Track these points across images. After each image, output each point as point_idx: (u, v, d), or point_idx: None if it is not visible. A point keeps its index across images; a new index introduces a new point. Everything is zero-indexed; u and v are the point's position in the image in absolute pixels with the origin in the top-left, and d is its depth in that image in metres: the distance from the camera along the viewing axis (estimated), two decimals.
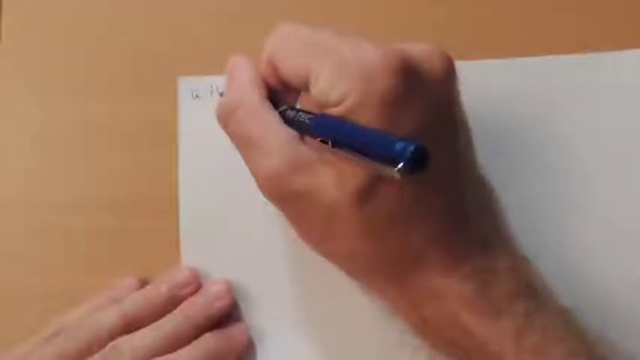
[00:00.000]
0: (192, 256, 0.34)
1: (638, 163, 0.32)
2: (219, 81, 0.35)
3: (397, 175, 0.21)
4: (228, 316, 0.33)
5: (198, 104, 0.35)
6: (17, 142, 0.37)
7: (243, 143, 0.27)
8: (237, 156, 0.34)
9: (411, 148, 0.20)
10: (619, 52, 0.33)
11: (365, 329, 0.32)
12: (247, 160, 0.27)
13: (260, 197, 0.34)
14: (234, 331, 0.33)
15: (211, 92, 0.35)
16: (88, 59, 0.37)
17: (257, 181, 0.27)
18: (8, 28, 0.38)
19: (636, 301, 0.31)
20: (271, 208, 0.34)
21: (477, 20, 0.35)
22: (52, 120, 0.36)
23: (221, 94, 0.30)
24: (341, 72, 0.24)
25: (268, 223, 0.34)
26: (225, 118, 0.27)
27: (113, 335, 0.31)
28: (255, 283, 0.33)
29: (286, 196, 0.26)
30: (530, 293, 0.25)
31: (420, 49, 0.25)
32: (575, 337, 0.25)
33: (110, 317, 0.31)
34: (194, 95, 0.35)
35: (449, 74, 0.25)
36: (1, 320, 0.35)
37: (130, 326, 0.31)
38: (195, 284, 0.33)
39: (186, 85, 0.35)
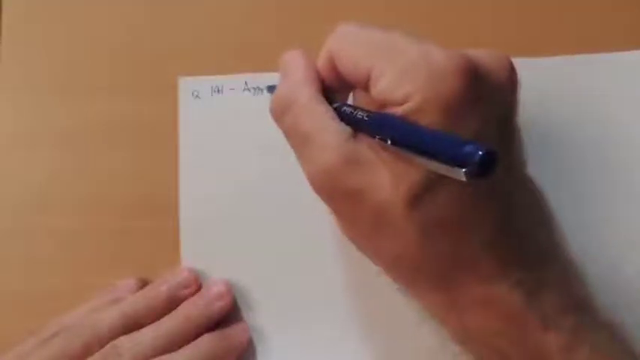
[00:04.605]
0: (192, 256, 0.34)
1: (638, 163, 0.32)
2: (219, 81, 0.35)
3: (463, 178, 0.20)
4: (228, 316, 0.33)
5: (198, 104, 0.35)
6: (17, 142, 0.37)
7: (298, 138, 0.26)
8: (237, 156, 0.35)
9: (482, 151, 0.20)
10: (619, 52, 0.33)
11: (371, 330, 0.32)
12: (300, 155, 0.26)
13: (260, 197, 0.34)
14: (234, 331, 0.33)
15: (211, 92, 0.35)
16: (88, 59, 0.37)
17: (309, 176, 0.26)
18: (8, 28, 0.38)
19: None
20: (271, 209, 0.34)
21: (476, 20, 0.35)
22: (52, 120, 0.36)
23: (268, 89, 0.30)
24: (407, 72, 0.23)
25: (268, 223, 0.34)
26: (280, 112, 0.27)
27: (113, 335, 0.31)
28: (255, 283, 0.33)
29: (339, 193, 0.25)
30: (579, 307, 0.25)
31: (487, 55, 0.25)
32: (623, 354, 0.25)
33: (110, 317, 0.31)
34: (194, 95, 0.35)
35: (513, 82, 0.25)
36: (2, 321, 0.34)
37: (130, 326, 0.31)
38: (195, 285, 0.33)
39: (186, 85, 0.35)
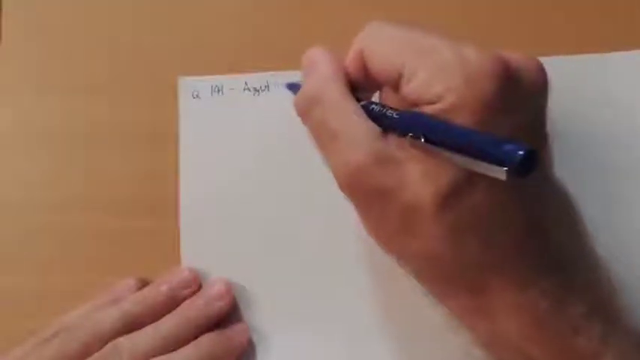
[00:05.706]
0: (192, 256, 0.34)
1: (637, 163, 0.32)
2: (219, 81, 0.35)
3: (503, 176, 0.20)
4: (228, 316, 0.33)
5: (198, 104, 0.35)
6: (17, 142, 0.37)
7: (325, 134, 0.26)
8: (237, 156, 0.35)
9: (523, 150, 0.20)
10: (619, 52, 0.33)
11: (374, 331, 0.32)
12: (327, 152, 0.26)
13: (260, 197, 0.34)
14: (233, 332, 0.33)
15: (211, 92, 0.35)
16: (88, 59, 0.37)
17: (336, 174, 0.26)
18: (8, 28, 0.38)
19: None
20: (272, 209, 0.34)
21: (476, 20, 0.35)
22: (52, 120, 0.36)
23: (288, 86, 0.29)
24: (441, 72, 0.23)
25: (268, 223, 0.34)
26: (307, 107, 0.27)
27: (113, 335, 0.31)
28: (255, 283, 0.33)
29: (366, 192, 0.25)
30: (607, 313, 0.25)
31: (520, 58, 0.25)
32: None
33: (110, 317, 0.31)
34: (194, 95, 0.35)
35: (544, 85, 0.25)
36: (1, 321, 0.34)
37: (130, 326, 0.31)
38: (195, 284, 0.33)
39: (186, 85, 0.35)
